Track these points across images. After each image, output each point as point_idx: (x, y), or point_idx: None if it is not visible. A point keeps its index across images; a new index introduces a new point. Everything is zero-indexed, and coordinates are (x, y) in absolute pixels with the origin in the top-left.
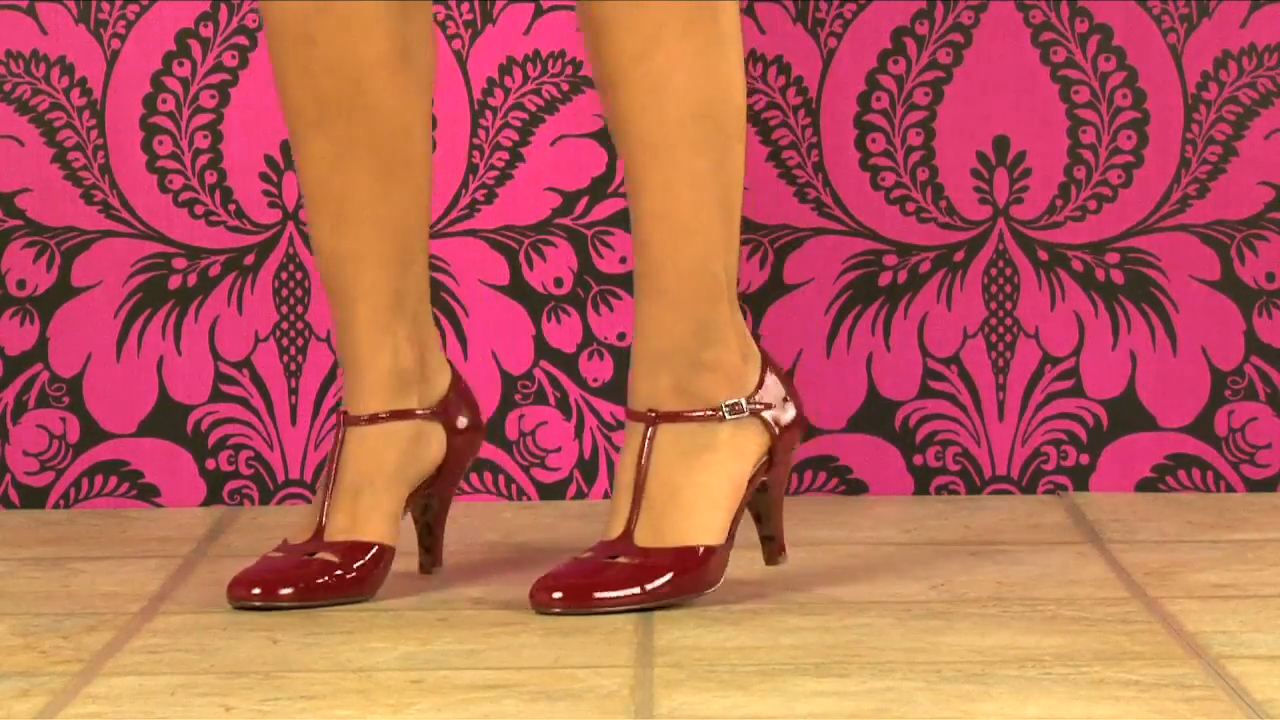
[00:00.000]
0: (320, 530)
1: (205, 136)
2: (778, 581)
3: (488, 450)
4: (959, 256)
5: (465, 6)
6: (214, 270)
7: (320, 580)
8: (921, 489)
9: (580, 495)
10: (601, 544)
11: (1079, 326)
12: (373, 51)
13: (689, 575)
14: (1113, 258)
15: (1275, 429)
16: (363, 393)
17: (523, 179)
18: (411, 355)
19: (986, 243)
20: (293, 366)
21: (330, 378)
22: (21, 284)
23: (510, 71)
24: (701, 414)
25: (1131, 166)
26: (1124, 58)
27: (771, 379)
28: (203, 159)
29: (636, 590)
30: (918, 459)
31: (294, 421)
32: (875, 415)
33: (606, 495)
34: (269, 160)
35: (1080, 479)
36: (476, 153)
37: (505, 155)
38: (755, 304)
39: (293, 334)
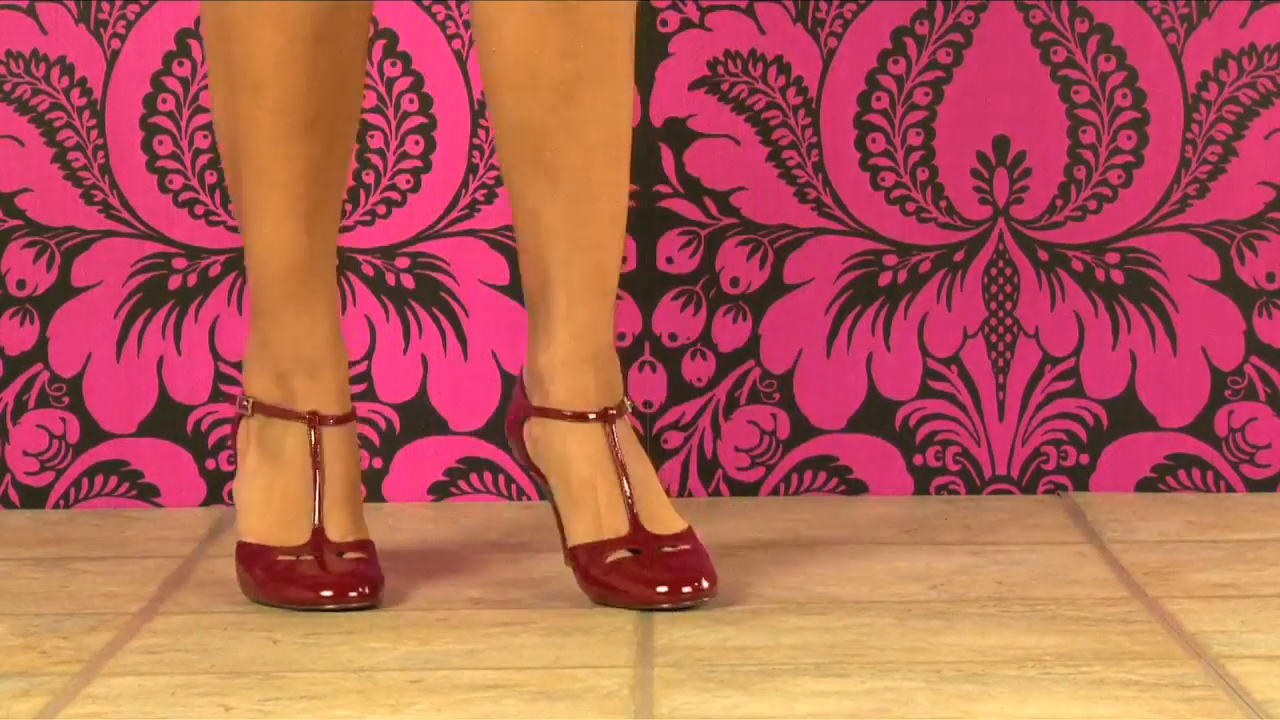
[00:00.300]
0: (320, 531)
1: (205, 136)
2: (778, 581)
3: (488, 450)
4: (959, 256)
5: (465, 7)
6: (214, 270)
7: (378, 579)
8: (921, 489)
9: None
10: (621, 539)
11: (1079, 326)
12: (363, 48)
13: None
14: (1113, 258)
15: (1275, 429)
16: (331, 392)
17: None
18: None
19: (986, 243)
20: None
21: None
22: (21, 284)
23: None
24: (628, 408)
25: (1131, 166)
26: (1124, 58)
27: None
28: (203, 159)
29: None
30: (918, 459)
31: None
32: (875, 415)
33: None
34: None
35: (1080, 479)
36: (476, 153)
37: None
38: (755, 304)
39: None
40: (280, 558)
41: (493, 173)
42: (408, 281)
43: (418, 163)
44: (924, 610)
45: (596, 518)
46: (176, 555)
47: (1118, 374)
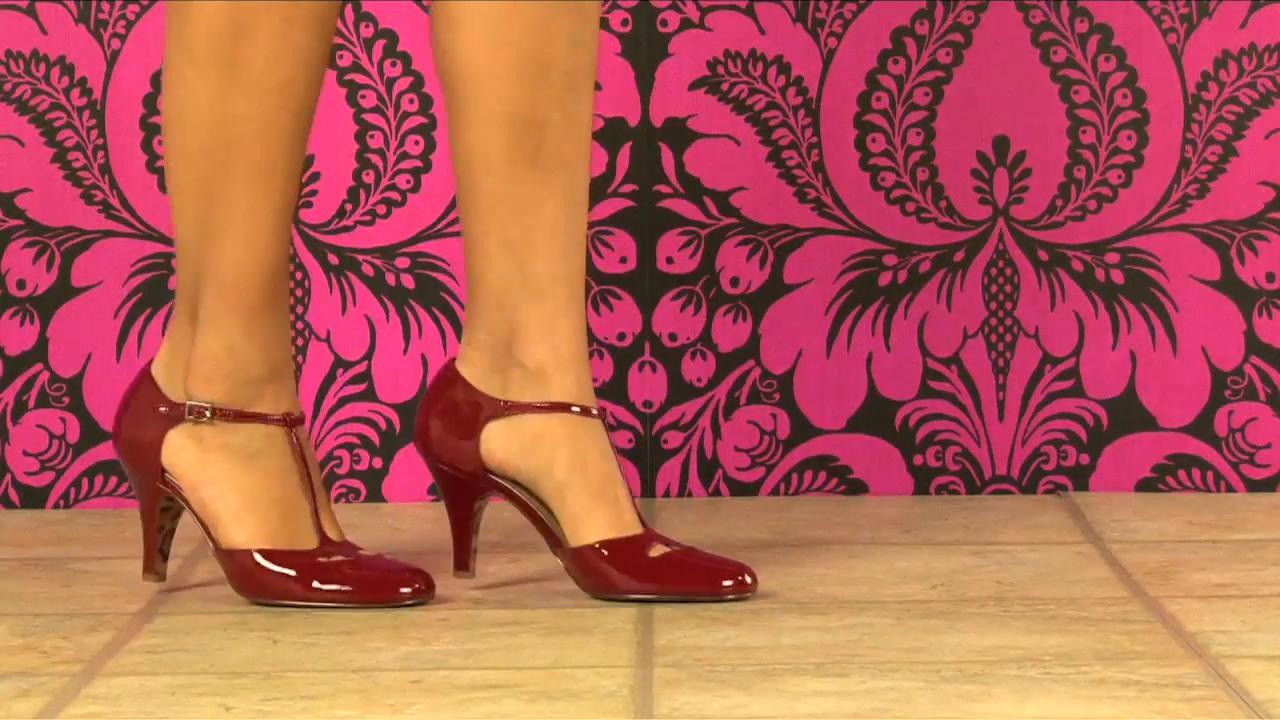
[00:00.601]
0: (323, 531)
1: None
2: (778, 581)
3: None
4: (959, 256)
5: None
6: None
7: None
8: (921, 489)
9: None
10: (648, 535)
11: (1079, 326)
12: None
13: None
14: (1113, 258)
15: (1275, 429)
16: (293, 394)
17: None
18: None
19: (986, 243)
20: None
21: (330, 378)
22: (21, 284)
23: None
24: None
25: (1131, 166)
26: (1124, 58)
27: None
28: None
29: None
30: (918, 459)
31: None
32: (875, 415)
33: None
34: None
35: (1080, 479)
36: None
37: None
38: (755, 304)
39: (292, 334)
40: (320, 559)
41: None
42: (408, 281)
43: (418, 163)
44: (924, 610)
45: (619, 514)
46: (176, 555)
47: (1118, 374)
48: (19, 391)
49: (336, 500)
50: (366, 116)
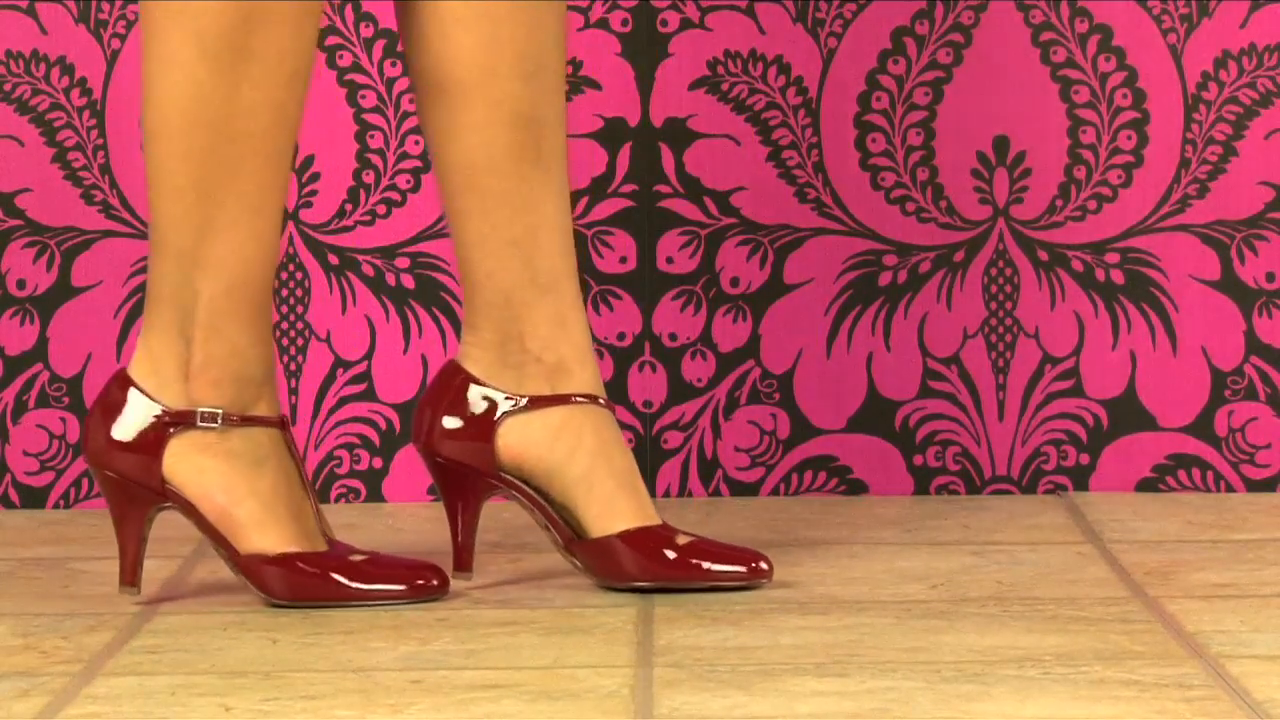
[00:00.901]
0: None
1: None
2: (778, 581)
3: None
4: (959, 256)
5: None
6: None
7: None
8: (921, 489)
9: None
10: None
11: (1079, 326)
12: None
13: None
14: (1113, 258)
15: (1275, 429)
16: (276, 394)
17: None
18: None
19: (986, 243)
20: (293, 366)
21: (330, 378)
22: (21, 284)
23: None
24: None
25: (1131, 166)
26: (1124, 58)
27: None
28: None
29: None
30: (918, 459)
31: (294, 421)
32: (875, 415)
33: None
34: None
35: (1080, 479)
36: None
37: None
38: (755, 304)
39: (293, 334)
40: (350, 559)
41: None
42: (408, 281)
43: (417, 163)
44: (924, 610)
45: (642, 505)
46: (176, 555)
47: (1118, 374)
48: (19, 391)
49: (336, 500)
50: (366, 116)
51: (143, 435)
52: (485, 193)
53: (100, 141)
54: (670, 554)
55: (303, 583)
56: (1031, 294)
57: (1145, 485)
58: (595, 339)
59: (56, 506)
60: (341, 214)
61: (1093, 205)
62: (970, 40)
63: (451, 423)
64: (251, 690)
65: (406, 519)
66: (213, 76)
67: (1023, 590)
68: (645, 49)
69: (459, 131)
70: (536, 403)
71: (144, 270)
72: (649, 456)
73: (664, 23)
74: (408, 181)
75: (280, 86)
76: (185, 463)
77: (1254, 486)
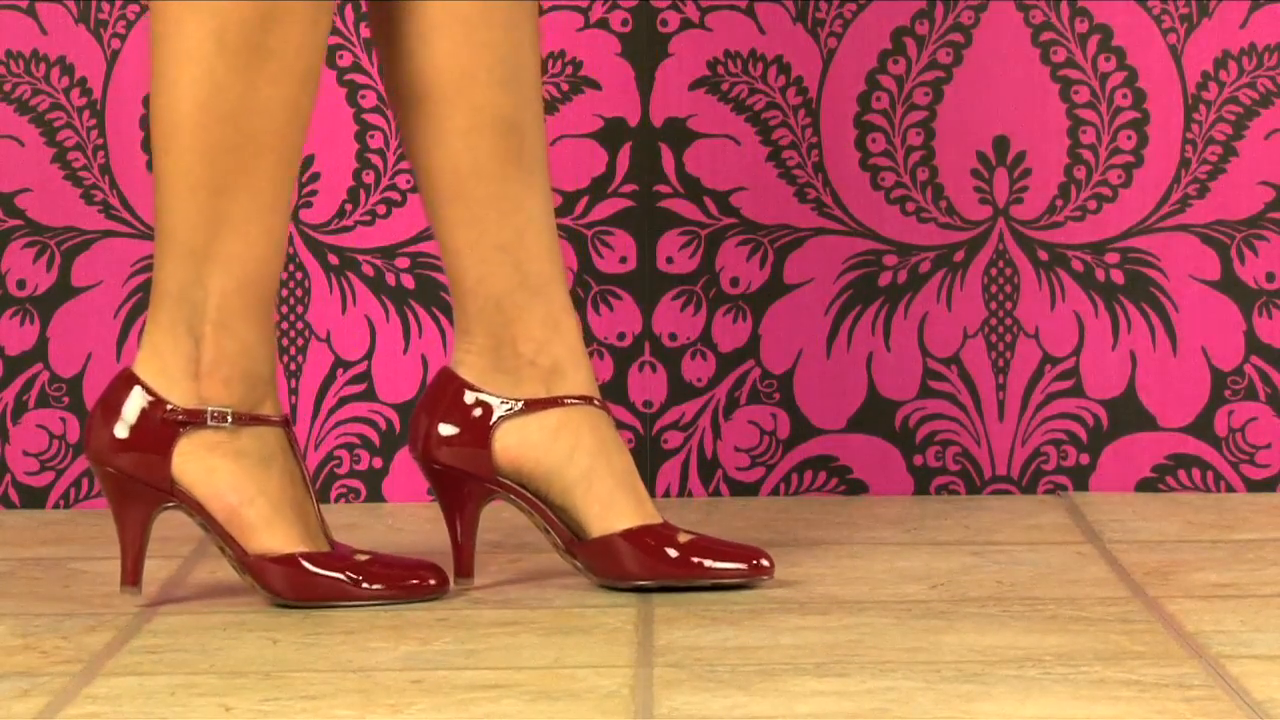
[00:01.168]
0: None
1: None
2: (778, 581)
3: None
4: (959, 256)
5: None
6: None
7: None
8: (921, 489)
9: None
10: (667, 524)
11: (1079, 326)
12: None
13: None
14: (1113, 258)
15: (1275, 429)
16: (277, 393)
17: None
18: None
19: (986, 243)
20: (293, 366)
21: (330, 378)
22: (21, 284)
23: None
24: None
25: (1131, 166)
26: (1124, 58)
27: None
28: None
29: None
30: (918, 459)
31: (294, 421)
32: (875, 415)
33: None
34: None
35: (1080, 479)
36: None
37: None
38: (755, 304)
39: (293, 334)
40: (356, 558)
41: None
42: (408, 281)
43: None
44: (924, 610)
45: (642, 503)
46: (176, 555)
47: (1118, 374)
48: (19, 391)
49: (336, 500)
50: (366, 116)
51: (150, 434)
52: (472, 198)
53: (100, 141)
54: (672, 552)
55: (309, 582)
56: (1031, 294)
57: (1145, 485)
58: (595, 339)
59: (56, 506)
60: (341, 214)
61: (1093, 205)
62: (970, 40)
63: (448, 429)
64: (251, 690)
65: (406, 519)
66: (231, 73)
67: (1023, 590)
68: (645, 49)
69: (443, 138)
70: (532, 406)
71: (145, 270)
72: (649, 456)
73: (664, 23)
74: (408, 181)
75: (295, 84)
76: (195, 462)
77: (1254, 486)
